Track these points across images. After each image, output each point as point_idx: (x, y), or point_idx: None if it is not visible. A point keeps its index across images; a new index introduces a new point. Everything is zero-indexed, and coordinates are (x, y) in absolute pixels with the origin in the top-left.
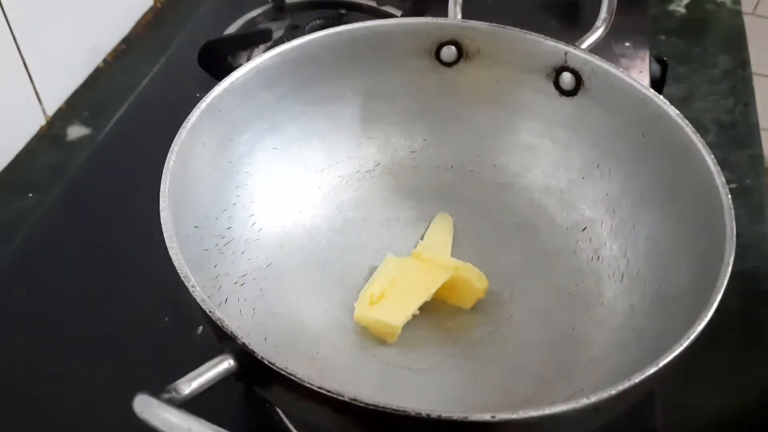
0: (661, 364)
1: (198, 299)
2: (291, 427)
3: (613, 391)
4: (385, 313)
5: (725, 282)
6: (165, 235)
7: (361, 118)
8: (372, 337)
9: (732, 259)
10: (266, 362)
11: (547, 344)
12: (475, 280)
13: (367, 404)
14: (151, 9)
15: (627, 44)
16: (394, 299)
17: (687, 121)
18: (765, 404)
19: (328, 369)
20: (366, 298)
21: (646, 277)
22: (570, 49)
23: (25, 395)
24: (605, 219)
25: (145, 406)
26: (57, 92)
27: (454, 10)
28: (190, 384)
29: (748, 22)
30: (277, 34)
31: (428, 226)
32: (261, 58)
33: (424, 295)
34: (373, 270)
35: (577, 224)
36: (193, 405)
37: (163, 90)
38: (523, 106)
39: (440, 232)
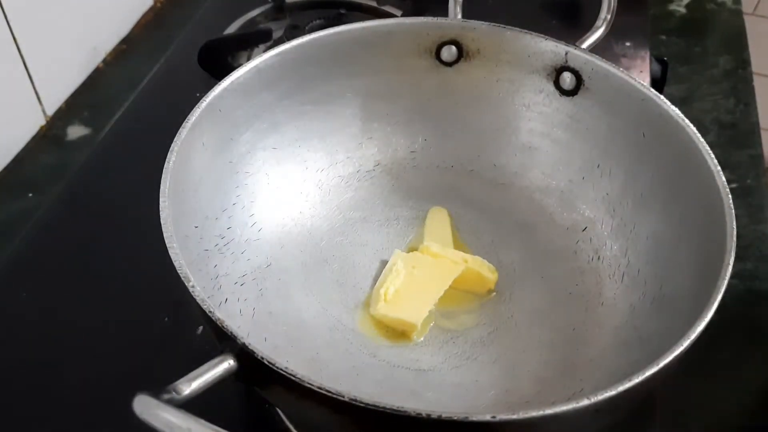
0: (661, 364)
1: (198, 299)
2: (291, 427)
3: (614, 391)
4: (403, 311)
5: (725, 282)
6: (165, 235)
7: (361, 118)
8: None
9: (732, 259)
10: (266, 362)
11: (547, 344)
12: (486, 271)
13: (367, 404)
14: (151, 9)
15: (627, 44)
16: (410, 296)
17: (687, 121)
18: (765, 404)
19: (328, 369)
20: (380, 296)
21: (646, 277)
22: (570, 48)
23: (25, 395)
24: (606, 219)
25: (145, 406)
26: (57, 92)
27: (454, 9)
28: (190, 384)
29: (749, 22)
30: (277, 34)
31: (425, 221)
32: (261, 58)
33: (439, 291)
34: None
35: (578, 224)
36: (193, 405)
37: (163, 90)
38: (524, 106)
39: (439, 226)
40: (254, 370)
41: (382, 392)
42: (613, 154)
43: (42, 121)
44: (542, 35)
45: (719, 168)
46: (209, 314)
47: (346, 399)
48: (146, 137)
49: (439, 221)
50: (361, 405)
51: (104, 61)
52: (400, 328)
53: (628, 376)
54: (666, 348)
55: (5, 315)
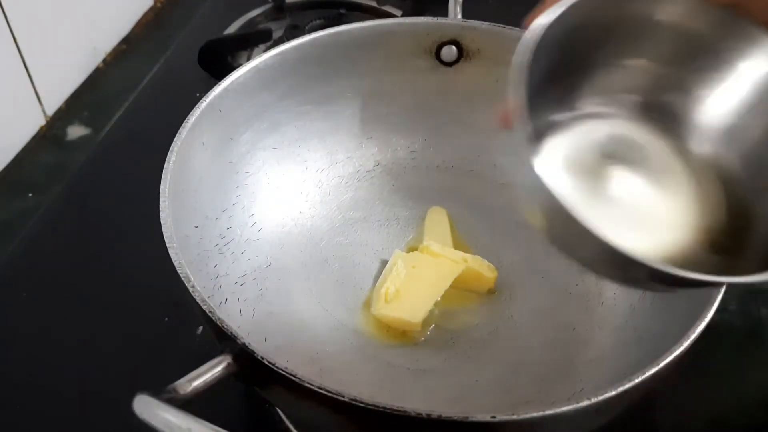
0: (661, 364)
1: (198, 299)
2: (291, 427)
3: (613, 391)
4: (404, 311)
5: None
6: (165, 235)
7: (361, 118)
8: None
9: None
10: (266, 362)
11: (547, 344)
12: (486, 270)
13: (367, 404)
14: (151, 9)
15: None
16: (410, 296)
17: None
18: (765, 404)
19: (328, 369)
20: (381, 296)
21: None
22: None
23: (25, 395)
24: None
25: (145, 406)
26: (57, 92)
27: (454, 10)
28: (190, 384)
29: None
30: (277, 34)
31: (424, 221)
32: (261, 58)
33: (440, 290)
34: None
35: None
36: (193, 405)
37: (163, 90)
38: None
39: (438, 226)
40: (254, 370)
41: (382, 392)
42: None
43: (42, 121)
44: None
45: None
46: (209, 314)
47: (346, 399)
48: (146, 137)
49: (438, 221)
50: (361, 405)
51: (104, 61)
52: (400, 327)
53: (628, 376)
54: (666, 348)
55: (5, 315)
